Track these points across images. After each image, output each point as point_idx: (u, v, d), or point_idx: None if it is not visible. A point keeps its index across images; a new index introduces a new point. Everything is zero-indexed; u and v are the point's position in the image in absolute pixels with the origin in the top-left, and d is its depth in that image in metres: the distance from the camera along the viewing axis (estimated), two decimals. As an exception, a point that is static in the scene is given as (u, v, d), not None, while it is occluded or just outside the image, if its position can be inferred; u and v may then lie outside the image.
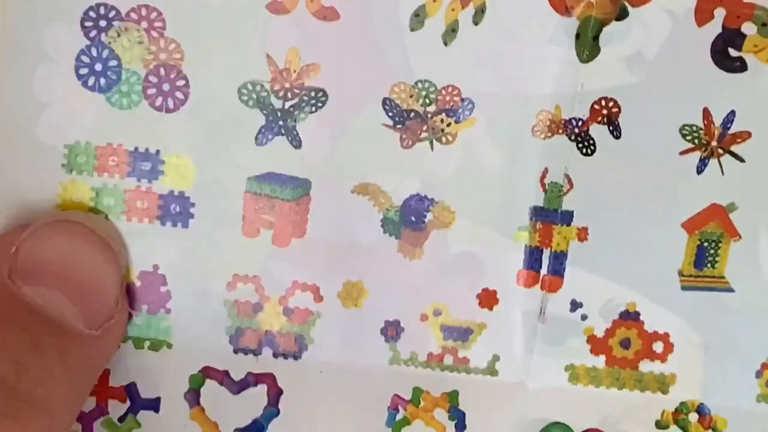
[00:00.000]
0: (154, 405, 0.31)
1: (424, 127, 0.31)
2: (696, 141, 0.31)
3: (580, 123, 0.31)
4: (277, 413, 0.31)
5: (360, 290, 0.31)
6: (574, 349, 0.32)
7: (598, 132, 0.31)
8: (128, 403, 0.31)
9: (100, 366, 0.29)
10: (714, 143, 0.31)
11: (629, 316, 0.32)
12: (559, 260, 0.32)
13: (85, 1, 0.28)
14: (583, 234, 0.32)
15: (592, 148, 0.31)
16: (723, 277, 0.32)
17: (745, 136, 0.31)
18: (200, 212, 0.30)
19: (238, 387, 0.31)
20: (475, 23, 0.30)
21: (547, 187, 0.31)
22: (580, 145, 0.31)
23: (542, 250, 0.32)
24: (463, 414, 0.32)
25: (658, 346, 0.33)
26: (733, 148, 0.31)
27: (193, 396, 0.31)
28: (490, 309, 0.32)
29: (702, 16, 0.30)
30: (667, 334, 0.33)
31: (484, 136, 0.31)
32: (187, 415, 0.31)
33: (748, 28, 0.30)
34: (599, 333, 0.32)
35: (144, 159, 0.29)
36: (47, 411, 0.26)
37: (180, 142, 0.29)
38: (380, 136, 0.30)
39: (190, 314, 0.31)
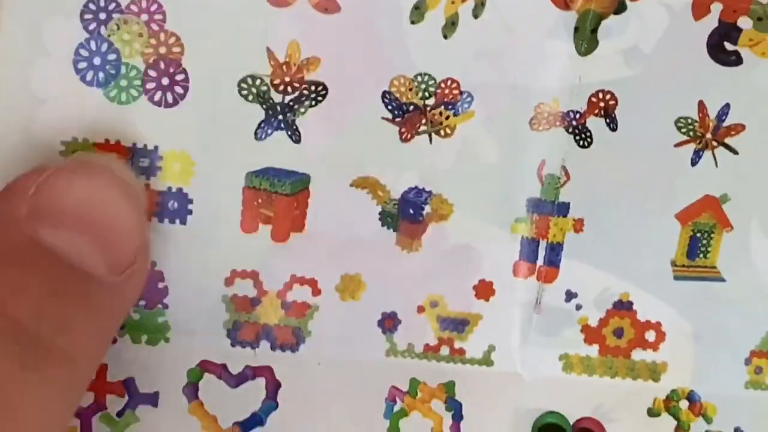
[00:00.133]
0: (152, 399, 0.31)
1: (423, 120, 0.30)
2: (691, 133, 0.31)
3: (577, 116, 0.31)
4: (276, 406, 0.31)
5: (358, 283, 0.31)
6: (568, 338, 0.33)
7: (595, 124, 0.31)
8: (126, 397, 0.30)
9: (122, 314, 0.28)
10: (708, 136, 0.32)
11: (622, 306, 0.33)
12: (555, 251, 0.32)
13: (84, -7, 0.28)
14: (579, 225, 0.32)
15: (589, 140, 0.31)
16: (715, 267, 0.33)
17: (739, 128, 0.32)
18: (198, 208, 0.30)
19: (237, 380, 0.31)
20: (475, 16, 0.30)
21: (544, 179, 0.31)
22: (578, 138, 0.31)
23: (538, 242, 0.32)
24: (460, 404, 0.33)
25: (651, 335, 0.33)
26: (727, 141, 0.32)
27: (192, 390, 0.31)
28: (487, 300, 0.32)
29: (699, 10, 0.30)
30: (659, 323, 0.33)
31: (483, 129, 0.31)
32: (186, 409, 0.31)
33: (744, 23, 0.31)
34: (593, 323, 0.33)
35: (142, 155, 0.29)
36: (68, 360, 0.24)
37: (179, 138, 0.29)
38: (379, 129, 0.30)
39: (187, 309, 0.30)
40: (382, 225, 0.31)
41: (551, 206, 0.32)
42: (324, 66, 0.29)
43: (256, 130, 0.29)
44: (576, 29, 0.30)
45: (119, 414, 0.30)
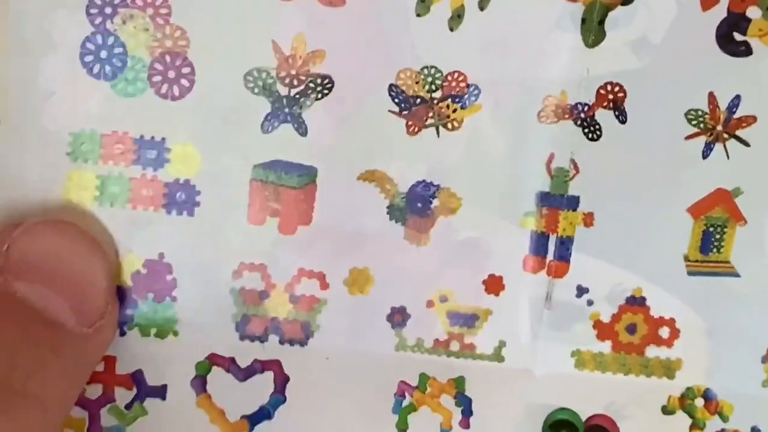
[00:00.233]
0: (160, 392, 0.31)
1: (430, 114, 0.30)
2: (701, 126, 0.31)
3: (586, 108, 0.31)
4: (284, 400, 0.31)
5: (366, 277, 0.31)
6: (580, 334, 0.32)
7: (604, 117, 0.31)
8: (135, 390, 0.31)
9: (92, 363, 0.29)
10: (719, 128, 0.31)
11: (635, 302, 0.32)
12: (565, 246, 0.32)
13: (91, -12, 0.28)
14: (589, 219, 0.32)
15: (598, 133, 0.31)
16: (728, 262, 0.32)
17: (750, 120, 0.31)
18: (206, 200, 0.30)
19: (245, 374, 0.31)
20: (481, 8, 0.30)
21: (553, 172, 0.31)
22: (586, 131, 0.31)
23: (548, 236, 0.32)
24: (470, 400, 0.32)
25: (664, 332, 0.33)
26: (738, 133, 0.31)
27: (200, 383, 0.31)
28: (497, 295, 0.32)
29: (707, 0, 0.30)
30: (673, 320, 0.33)
31: (490, 122, 0.31)
32: (194, 402, 0.31)
33: (753, 12, 0.30)
34: (605, 318, 0.32)
35: (150, 147, 0.29)
36: (39, 405, 0.26)
37: (186, 130, 0.29)
38: (386, 122, 0.30)
39: (196, 302, 0.31)
40: (390, 219, 0.31)
41: (561, 200, 0.31)
42: (330, 59, 0.30)
43: (263, 122, 0.30)
44: (583, 21, 0.30)
45: (127, 406, 0.31)
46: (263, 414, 0.31)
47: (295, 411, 0.31)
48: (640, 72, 0.31)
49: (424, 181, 0.31)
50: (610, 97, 0.31)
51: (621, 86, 0.31)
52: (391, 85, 0.30)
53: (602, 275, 0.32)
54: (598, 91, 0.31)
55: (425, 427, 0.32)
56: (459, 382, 0.32)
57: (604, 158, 0.31)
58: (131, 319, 0.30)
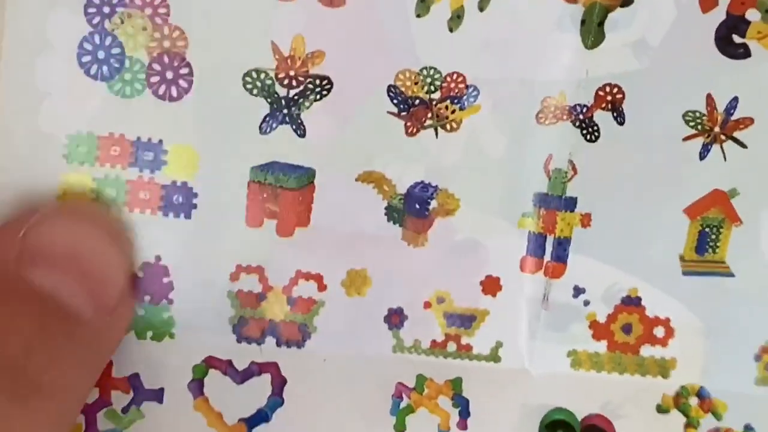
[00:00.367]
0: (157, 395, 0.31)
1: (429, 115, 0.30)
2: (699, 127, 0.31)
3: (584, 109, 0.31)
4: (282, 402, 0.31)
5: (364, 278, 0.31)
6: (576, 334, 0.33)
7: (603, 118, 0.31)
8: (131, 393, 0.30)
9: (109, 352, 0.29)
10: (717, 129, 0.31)
11: (631, 302, 0.33)
12: (562, 246, 0.32)
13: (89, -13, 0.28)
14: (586, 220, 0.32)
15: (596, 134, 0.31)
16: (724, 262, 0.33)
17: (747, 122, 0.31)
18: (203, 202, 0.29)
19: (242, 377, 0.31)
20: (481, 9, 0.30)
21: (551, 173, 0.31)
22: (585, 132, 0.31)
23: (546, 237, 0.32)
24: (467, 401, 0.32)
25: (659, 331, 0.33)
26: (736, 134, 0.31)
27: (197, 386, 0.31)
28: (494, 296, 0.32)
29: (706, 2, 0.30)
30: (668, 319, 0.33)
31: (489, 123, 0.31)
32: (191, 405, 0.31)
33: (752, 15, 0.30)
34: (601, 318, 0.33)
35: (146, 149, 0.29)
36: (55, 395, 0.25)
37: (183, 131, 0.29)
38: (385, 123, 0.30)
39: (192, 305, 0.30)
40: (388, 220, 0.31)
41: (558, 201, 0.31)
42: (329, 60, 0.29)
43: (261, 124, 0.29)
44: (583, 22, 0.30)
45: (124, 410, 0.30)
46: (261, 417, 0.31)
47: (293, 413, 0.31)
48: (639, 73, 0.31)
49: (422, 182, 0.31)
50: (609, 98, 0.31)
51: (620, 87, 0.31)
52: (390, 86, 0.30)
53: (599, 275, 0.32)
54: (596, 92, 0.31)
55: (423, 429, 0.32)
56: (456, 383, 0.32)
57: (602, 159, 0.31)
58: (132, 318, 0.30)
